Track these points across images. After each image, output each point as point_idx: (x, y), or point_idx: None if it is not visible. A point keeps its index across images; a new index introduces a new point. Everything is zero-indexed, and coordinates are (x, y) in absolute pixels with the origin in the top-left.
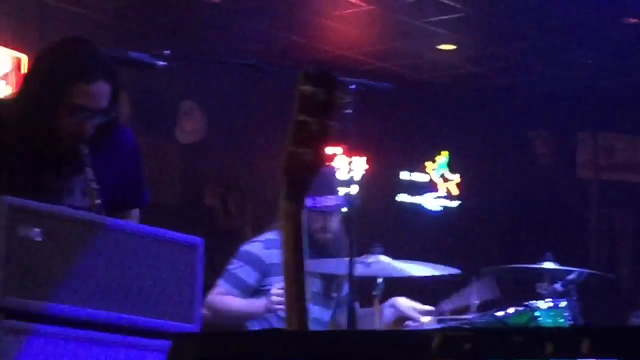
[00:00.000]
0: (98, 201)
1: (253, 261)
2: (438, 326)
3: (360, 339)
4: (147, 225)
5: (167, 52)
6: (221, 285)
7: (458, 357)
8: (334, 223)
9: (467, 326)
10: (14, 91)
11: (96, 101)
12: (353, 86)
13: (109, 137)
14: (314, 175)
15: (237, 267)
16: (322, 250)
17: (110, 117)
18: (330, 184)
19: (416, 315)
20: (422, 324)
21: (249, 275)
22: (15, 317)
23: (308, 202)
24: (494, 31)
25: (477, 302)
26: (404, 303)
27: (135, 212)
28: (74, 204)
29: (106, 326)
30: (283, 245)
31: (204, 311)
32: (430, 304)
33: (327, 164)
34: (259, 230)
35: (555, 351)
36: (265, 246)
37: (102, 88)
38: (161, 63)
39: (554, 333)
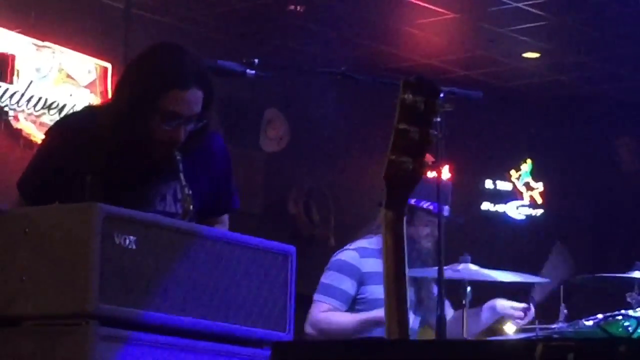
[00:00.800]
0: (191, 207)
1: (349, 270)
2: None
3: (463, 349)
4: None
5: (256, 60)
6: (320, 300)
7: None
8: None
9: (556, 335)
10: (105, 99)
11: (189, 108)
12: (442, 94)
13: (201, 143)
14: (415, 183)
15: (333, 279)
16: (423, 258)
17: (202, 123)
18: (446, 195)
19: (517, 313)
20: (523, 317)
21: (347, 285)
22: (111, 324)
23: (418, 202)
24: (579, 39)
25: (566, 311)
26: (502, 303)
27: (225, 217)
28: (166, 209)
29: (200, 334)
30: (383, 254)
31: (310, 330)
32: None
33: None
34: (342, 238)
35: None
36: (360, 255)
37: (196, 95)
38: (251, 71)
39: None
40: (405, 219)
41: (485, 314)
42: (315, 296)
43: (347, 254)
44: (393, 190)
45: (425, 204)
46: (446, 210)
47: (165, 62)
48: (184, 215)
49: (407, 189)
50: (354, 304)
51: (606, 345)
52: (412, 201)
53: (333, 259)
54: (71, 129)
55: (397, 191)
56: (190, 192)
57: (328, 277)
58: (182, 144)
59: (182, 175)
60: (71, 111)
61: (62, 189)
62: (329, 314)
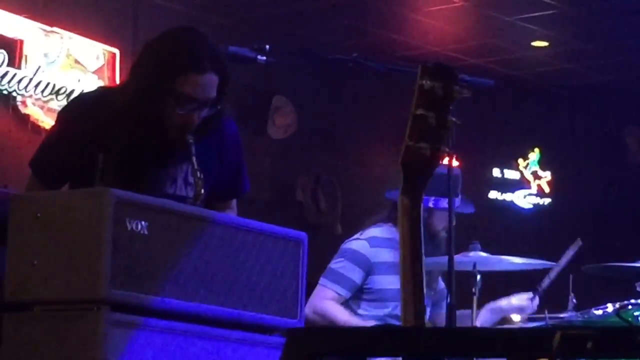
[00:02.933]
0: (203, 191)
1: (358, 259)
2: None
3: (479, 337)
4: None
5: (267, 46)
6: (326, 286)
7: (579, 356)
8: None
9: (565, 324)
10: (113, 84)
11: (204, 92)
12: None
13: (214, 128)
14: (432, 169)
15: (342, 266)
16: (438, 249)
17: (216, 108)
18: (456, 186)
19: (524, 302)
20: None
21: (354, 275)
22: (122, 310)
23: (437, 203)
24: (588, 28)
25: (575, 301)
26: (507, 302)
27: (234, 202)
28: (176, 193)
29: (211, 320)
30: (400, 240)
31: (312, 315)
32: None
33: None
34: (349, 226)
35: None
36: (371, 244)
37: (211, 79)
38: (262, 58)
39: None
40: (424, 215)
41: (485, 316)
42: (322, 280)
43: (358, 244)
44: (410, 176)
45: (442, 204)
46: (457, 201)
47: (182, 45)
48: (196, 199)
49: (424, 175)
50: (361, 293)
51: (625, 334)
52: (431, 203)
53: (344, 246)
54: (85, 108)
55: (414, 177)
56: (202, 176)
57: (337, 264)
58: (196, 128)
59: (194, 159)
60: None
61: (75, 168)
62: (330, 304)
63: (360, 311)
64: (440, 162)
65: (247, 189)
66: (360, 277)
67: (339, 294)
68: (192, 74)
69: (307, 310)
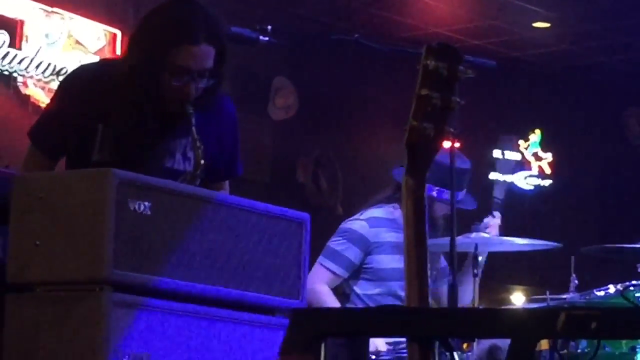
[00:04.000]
0: (203, 161)
1: (357, 239)
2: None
3: (483, 318)
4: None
5: (269, 27)
6: (323, 264)
7: (584, 336)
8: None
9: (566, 305)
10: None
11: (199, 63)
12: None
13: (212, 103)
14: (436, 149)
15: (339, 244)
16: (437, 231)
17: (215, 80)
18: (464, 180)
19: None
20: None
21: (351, 253)
22: (125, 290)
23: (440, 194)
24: (589, 9)
25: (576, 281)
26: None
27: (226, 183)
28: (174, 166)
29: (214, 301)
30: (404, 221)
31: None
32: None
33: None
34: (350, 206)
35: None
36: (370, 225)
37: (206, 50)
38: (264, 38)
39: None
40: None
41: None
42: (319, 258)
43: (357, 224)
44: (414, 156)
45: (445, 195)
46: (461, 194)
47: (175, 17)
48: (196, 169)
49: (428, 156)
50: (358, 273)
51: (629, 315)
52: (434, 192)
53: (343, 225)
54: (85, 79)
55: (419, 158)
56: (202, 146)
57: (335, 243)
58: (195, 100)
59: (194, 129)
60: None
61: (74, 138)
62: (324, 289)
63: (357, 289)
64: (444, 142)
65: (240, 171)
66: (358, 256)
67: (335, 273)
68: (185, 45)
69: None
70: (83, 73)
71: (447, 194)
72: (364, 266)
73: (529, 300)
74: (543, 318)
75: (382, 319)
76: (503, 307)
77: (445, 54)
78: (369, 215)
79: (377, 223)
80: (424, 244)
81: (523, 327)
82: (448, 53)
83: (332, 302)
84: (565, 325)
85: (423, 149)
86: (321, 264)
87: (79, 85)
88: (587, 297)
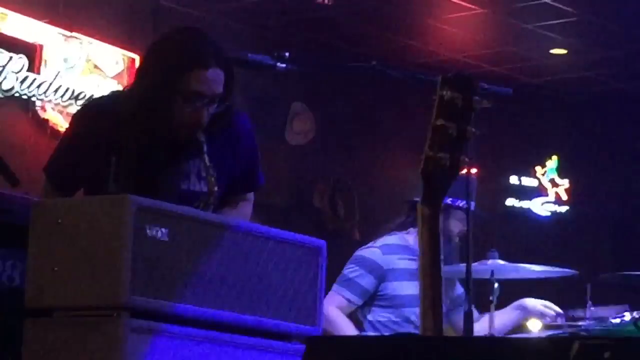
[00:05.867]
0: (216, 188)
1: (370, 267)
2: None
3: (498, 346)
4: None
5: (287, 54)
6: (338, 292)
7: None
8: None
9: (584, 334)
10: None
11: (211, 87)
12: None
13: (226, 124)
14: (452, 179)
15: (353, 272)
16: (453, 255)
17: (225, 105)
18: (472, 190)
19: (549, 311)
20: (555, 319)
21: (366, 281)
22: (142, 316)
23: (454, 201)
24: (606, 36)
25: (593, 308)
26: (533, 302)
27: (251, 194)
28: (190, 188)
29: (230, 327)
30: (419, 249)
31: None
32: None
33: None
34: (366, 232)
35: None
36: (383, 252)
37: (217, 74)
38: (282, 65)
39: None
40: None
41: (514, 313)
42: (334, 286)
43: (370, 251)
44: (430, 186)
45: (459, 203)
46: (472, 205)
47: (185, 42)
48: (209, 196)
49: (443, 185)
50: (372, 300)
51: None
52: (449, 200)
53: (357, 253)
54: (97, 112)
55: (434, 187)
56: (215, 174)
57: (348, 270)
58: (207, 126)
59: (206, 157)
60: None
61: (88, 172)
62: (340, 316)
63: (370, 316)
64: (460, 172)
65: (262, 181)
66: (372, 283)
67: (349, 300)
68: (197, 70)
69: None
70: (94, 105)
71: (460, 202)
72: (378, 293)
73: (545, 328)
74: (556, 347)
75: (398, 348)
76: (517, 336)
77: (460, 84)
78: (382, 242)
79: (390, 250)
80: (439, 272)
81: (536, 356)
82: (464, 83)
83: (349, 329)
84: (579, 355)
85: (438, 179)
86: (335, 292)
87: (91, 118)
88: (603, 325)
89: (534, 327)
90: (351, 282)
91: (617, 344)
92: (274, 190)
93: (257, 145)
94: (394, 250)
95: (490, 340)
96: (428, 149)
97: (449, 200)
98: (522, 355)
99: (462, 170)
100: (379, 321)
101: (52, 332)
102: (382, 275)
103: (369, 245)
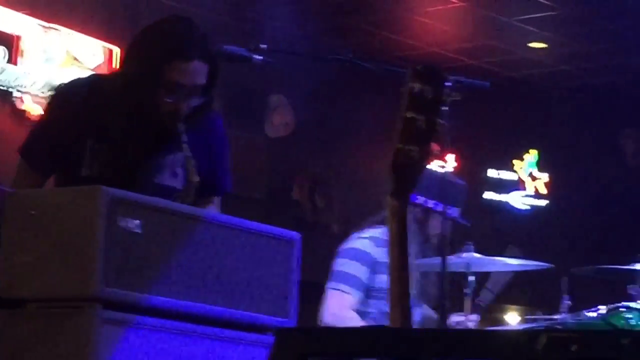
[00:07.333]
0: (197, 178)
1: (363, 258)
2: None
3: (464, 338)
4: (236, 217)
5: (264, 46)
6: (341, 290)
7: (564, 358)
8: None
9: (559, 327)
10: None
11: (192, 79)
12: (449, 83)
13: (203, 118)
14: (421, 171)
15: (347, 266)
16: (431, 250)
17: (206, 98)
18: (460, 197)
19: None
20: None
21: (360, 272)
22: (114, 307)
23: (438, 206)
24: (585, 30)
25: (569, 302)
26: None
27: (217, 199)
28: (162, 182)
29: (203, 319)
30: (389, 242)
31: (330, 321)
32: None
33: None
34: (345, 225)
35: None
36: (375, 244)
37: (199, 66)
38: (258, 57)
39: None
40: (420, 218)
41: None
42: (332, 284)
43: (362, 242)
44: (400, 178)
45: (441, 207)
46: (456, 211)
47: (170, 33)
48: (189, 185)
49: (413, 178)
50: (370, 292)
51: (610, 338)
52: (431, 204)
53: (347, 246)
54: (76, 94)
55: (404, 180)
56: (195, 162)
57: (344, 265)
58: (186, 118)
59: (185, 146)
60: None
61: (63, 154)
62: (349, 314)
63: (369, 309)
64: (429, 164)
65: (229, 187)
66: (366, 275)
67: (349, 294)
68: (180, 61)
69: (328, 319)
70: (74, 87)
71: (443, 207)
72: (372, 285)
73: (523, 321)
74: (524, 340)
75: (368, 340)
76: (488, 329)
77: (430, 76)
78: (370, 234)
79: (379, 243)
80: (407, 265)
81: (504, 348)
82: (433, 75)
83: (356, 322)
84: (546, 347)
85: (408, 171)
86: (333, 289)
87: (70, 99)
88: (578, 319)
89: (512, 320)
90: (347, 275)
91: (584, 337)
92: (253, 182)
93: (229, 150)
94: (382, 244)
95: (459, 332)
96: (398, 142)
97: (431, 204)
98: (490, 347)
99: (431, 162)
100: (381, 312)
101: (25, 323)
102: (375, 266)
103: (354, 237)
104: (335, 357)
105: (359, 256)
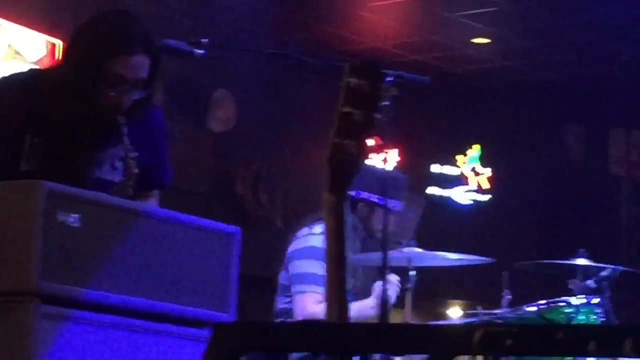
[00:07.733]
0: (136, 170)
1: (321, 255)
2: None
3: (401, 332)
4: (177, 212)
5: (205, 40)
6: (312, 291)
7: (499, 353)
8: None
9: (499, 321)
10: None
11: (134, 73)
12: (390, 78)
13: (144, 112)
14: (357, 167)
15: (308, 266)
16: (374, 246)
17: (147, 91)
18: (401, 190)
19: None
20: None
21: (322, 270)
22: (52, 302)
23: (381, 200)
24: (529, 26)
25: (509, 297)
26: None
27: (156, 192)
28: (101, 176)
29: (142, 313)
30: (326, 237)
31: None
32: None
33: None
34: (289, 219)
35: (598, 349)
36: None
37: (141, 60)
38: (199, 51)
39: (597, 331)
40: (364, 213)
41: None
42: (300, 287)
43: (315, 239)
44: (336, 173)
45: (383, 201)
46: (398, 204)
47: (112, 26)
48: (128, 178)
49: (350, 173)
50: None
51: (544, 332)
52: (374, 198)
53: (300, 246)
54: (14, 87)
55: (341, 175)
56: (135, 154)
57: (305, 266)
58: (126, 111)
59: (125, 139)
60: None
61: (2, 148)
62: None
63: None
64: (366, 159)
65: (169, 180)
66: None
67: (319, 293)
68: (122, 55)
69: (302, 318)
70: (11, 81)
71: (387, 201)
72: None
73: (464, 316)
74: (460, 334)
75: (304, 334)
76: (424, 323)
77: (368, 71)
78: (322, 229)
79: None
80: (344, 259)
81: (440, 343)
82: (371, 70)
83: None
84: (481, 341)
85: (345, 166)
86: (305, 292)
87: (8, 93)
88: (518, 313)
89: (455, 314)
90: (313, 275)
91: (520, 331)
92: (196, 176)
93: (168, 143)
94: None
95: (396, 326)
96: (334, 136)
97: (374, 198)
98: (427, 341)
99: (368, 157)
100: None
101: None
102: None
103: (304, 233)
104: (270, 351)
105: (317, 254)
